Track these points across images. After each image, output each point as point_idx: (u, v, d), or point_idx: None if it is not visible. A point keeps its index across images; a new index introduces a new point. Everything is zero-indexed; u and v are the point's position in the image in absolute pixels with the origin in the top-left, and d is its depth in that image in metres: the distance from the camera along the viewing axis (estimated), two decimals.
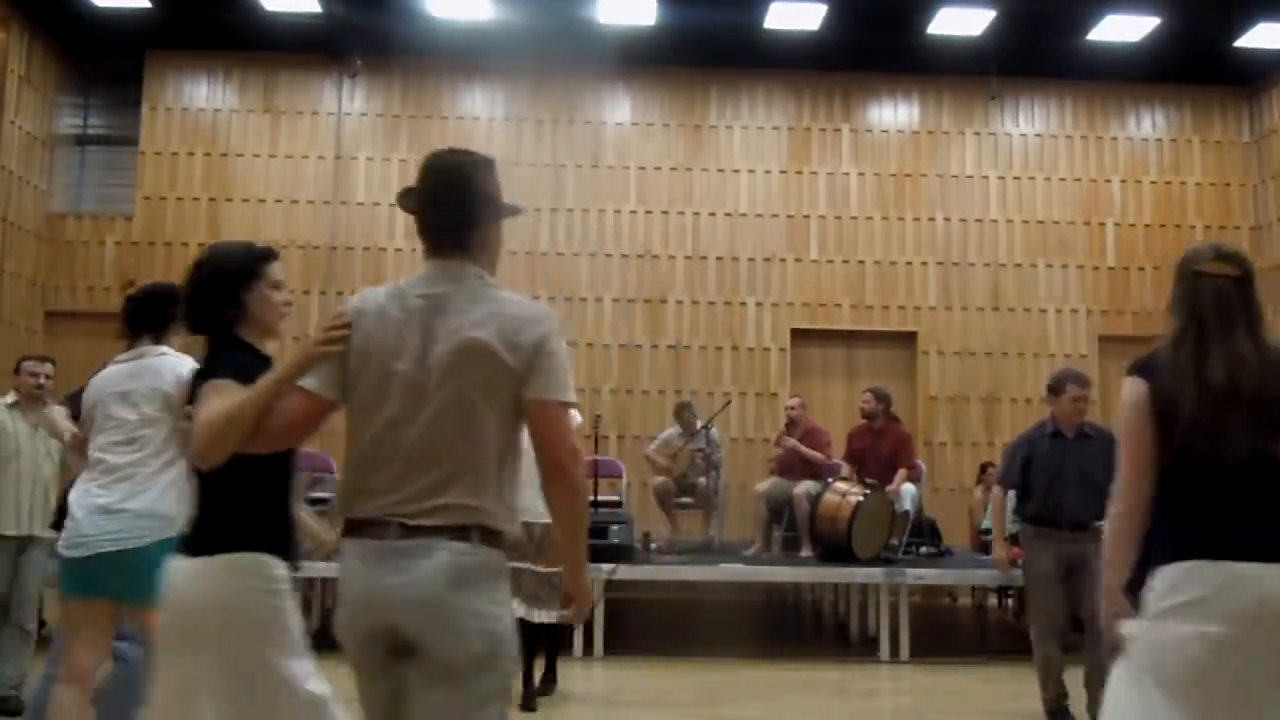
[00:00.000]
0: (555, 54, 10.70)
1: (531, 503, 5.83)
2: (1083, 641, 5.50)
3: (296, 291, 11.21)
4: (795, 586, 9.67)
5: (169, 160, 11.31)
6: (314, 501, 9.21)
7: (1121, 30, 10.38)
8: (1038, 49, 10.86)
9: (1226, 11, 10.04)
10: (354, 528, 2.28)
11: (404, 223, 11.28)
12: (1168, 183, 11.74)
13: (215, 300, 2.76)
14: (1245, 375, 2.44)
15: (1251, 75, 11.43)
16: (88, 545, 3.51)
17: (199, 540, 2.61)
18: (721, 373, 11.20)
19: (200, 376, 2.59)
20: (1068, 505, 5.38)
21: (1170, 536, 2.48)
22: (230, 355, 2.64)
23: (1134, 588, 2.51)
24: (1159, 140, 11.81)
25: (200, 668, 2.49)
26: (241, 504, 2.58)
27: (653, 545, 8.71)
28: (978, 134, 11.71)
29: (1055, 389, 5.60)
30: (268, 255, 2.85)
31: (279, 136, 11.40)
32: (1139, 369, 2.58)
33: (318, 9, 10.38)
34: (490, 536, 2.25)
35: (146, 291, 3.83)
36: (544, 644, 6.10)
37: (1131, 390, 2.57)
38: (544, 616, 5.80)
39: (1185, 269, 2.60)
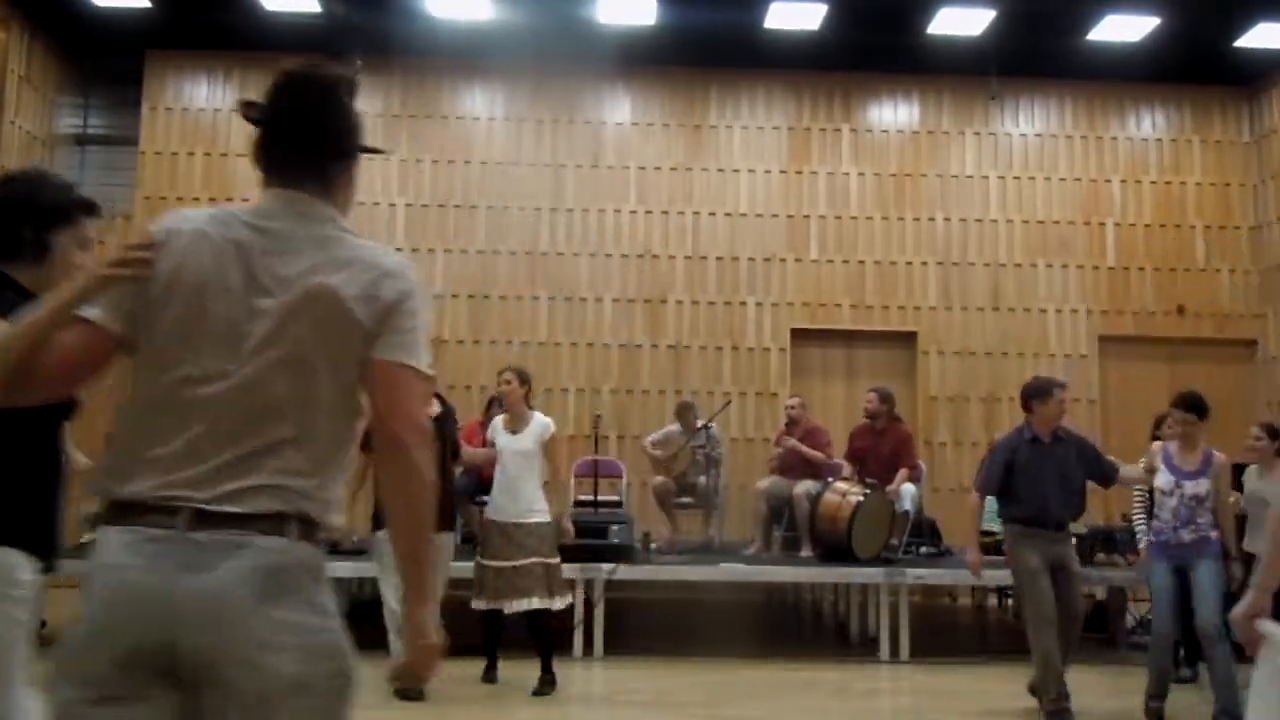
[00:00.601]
0: (555, 54, 10.71)
1: (507, 505, 6.12)
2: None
3: None
4: (795, 586, 9.68)
5: (169, 160, 11.31)
6: None
7: (1121, 30, 10.38)
8: (1038, 49, 10.86)
9: (1226, 11, 10.03)
10: (123, 511, 1.73)
11: (404, 223, 11.29)
12: (1168, 183, 11.74)
13: (9, 228, 2.34)
14: None
15: (1251, 75, 11.43)
16: None
17: None
18: (721, 373, 11.20)
19: None
20: (1052, 507, 5.68)
21: None
22: None
23: None
24: (1159, 140, 11.80)
25: None
26: None
27: (653, 545, 8.71)
28: (978, 134, 11.71)
29: (1042, 395, 5.84)
30: (90, 207, 2.50)
31: None
32: None
33: (318, 9, 10.38)
34: (310, 530, 1.79)
35: None
36: (532, 637, 6.18)
37: None
38: (520, 606, 5.93)
39: None
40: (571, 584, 7.25)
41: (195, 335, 1.78)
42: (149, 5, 10.31)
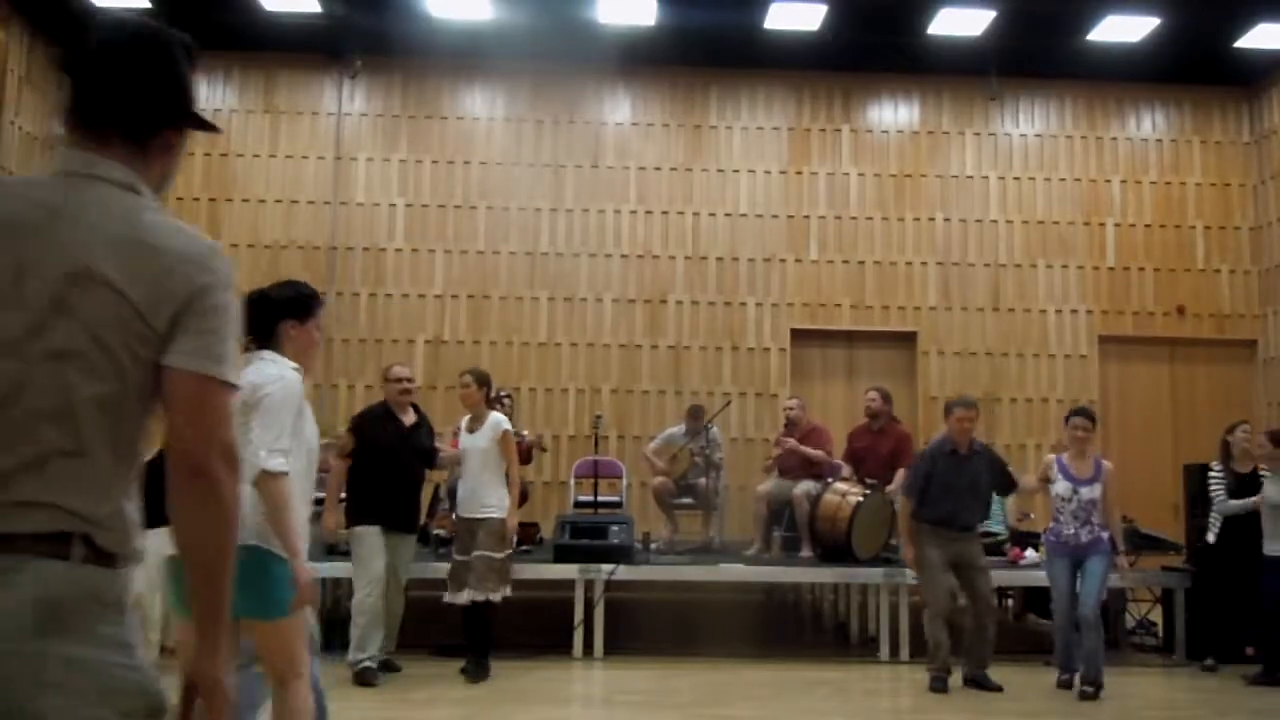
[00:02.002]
0: (555, 54, 10.72)
1: (465, 500, 6.27)
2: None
3: None
4: (795, 586, 9.68)
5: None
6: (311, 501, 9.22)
7: (1121, 30, 10.38)
8: (1038, 49, 10.86)
9: (1226, 11, 10.03)
10: None
11: (404, 223, 11.29)
12: (1168, 183, 11.74)
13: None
14: None
15: (1251, 75, 11.43)
16: None
17: None
18: (721, 373, 11.20)
19: None
20: (960, 511, 6.38)
21: None
22: None
23: None
24: (1159, 140, 11.80)
25: None
26: None
27: (653, 545, 8.71)
28: (978, 134, 11.71)
29: (947, 414, 6.61)
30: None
31: (279, 136, 11.40)
32: None
33: (318, 9, 10.38)
34: (99, 555, 1.54)
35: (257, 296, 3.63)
36: (466, 629, 6.38)
37: None
38: (462, 597, 6.21)
39: None
40: (571, 584, 7.27)
41: None
42: (149, 6, 10.31)
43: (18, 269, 1.55)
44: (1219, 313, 11.51)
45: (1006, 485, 6.81)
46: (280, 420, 3.34)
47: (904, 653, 7.30)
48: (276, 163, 11.37)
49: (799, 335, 11.32)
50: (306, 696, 3.40)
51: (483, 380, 6.46)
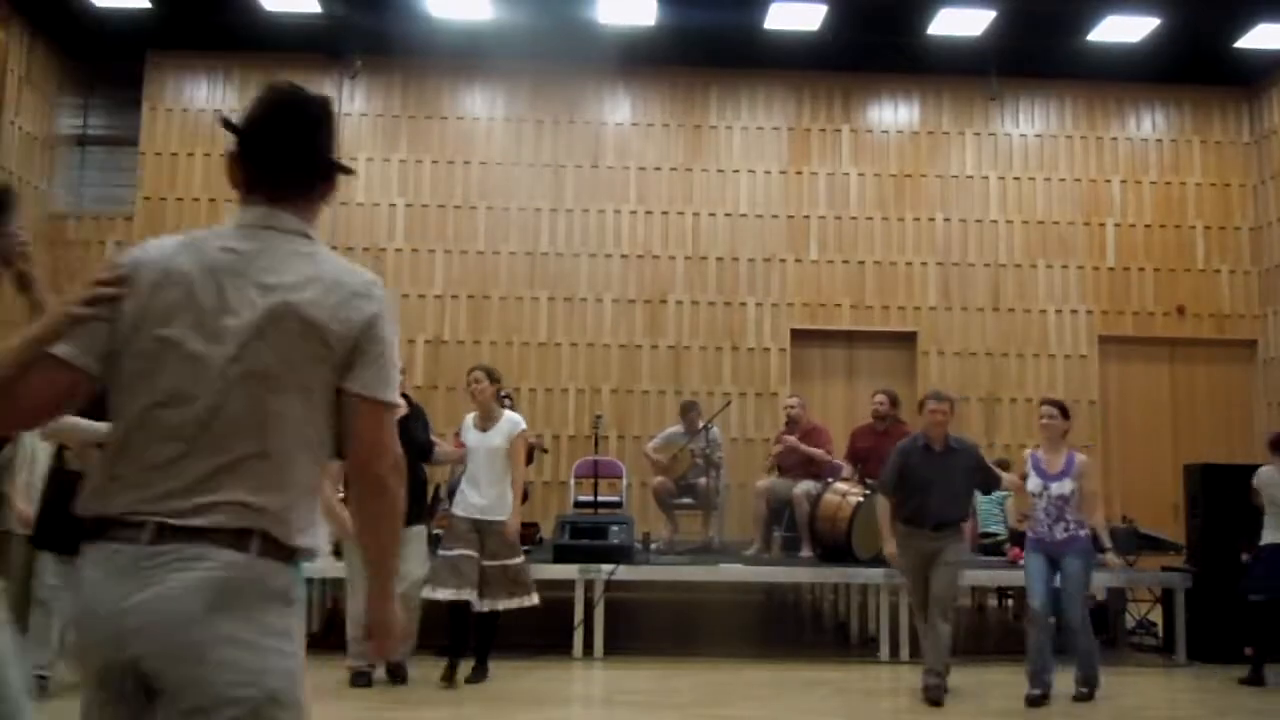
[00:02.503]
0: (555, 54, 10.72)
1: (477, 501, 6.18)
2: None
3: None
4: (795, 586, 9.68)
5: (169, 160, 11.31)
6: None
7: (1121, 30, 10.38)
8: (1038, 49, 10.86)
9: (1226, 11, 10.04)
10: (99, 528, 1.77)
11: (404, 224, 11.29)
12: (1168, 183, 11.74)
13: None
14: None
15: (1251, 75, 11.43)
16: None
17: None
18: (721, 373, 11.20)
19: None
20: (932, 509, 6.14)
21: None
22: None
23: None
24: (1159, 140, 11.80)
25: None
26: None
27: (653, 545, 8.71)
28: (978, 134, 11.71)
29: (920, 407, 6.41)
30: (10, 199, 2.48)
31: None
32: None
33: (318, 9, 10.38)
34: (275, 548, 1.78)
35: None
36: (476, 634, 6.29)
37: None
38: (484, 606, 6.07)
39: None
40: (571, 584, 7.27)
41: (165, 361, 1.81)
42: (149, 5, 10.31)
43: (219, 305, 1.83)
44: (1219, 313, 11.51)
45: (989, 483, 6.52)
46: None
47: (904, 653, 7.30)
48: None
49: (799, 335, 11.32)
50: None
51: (494, 376, 6.36)
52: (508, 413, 6.37)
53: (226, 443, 1.78)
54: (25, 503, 5.70)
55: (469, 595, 6.08)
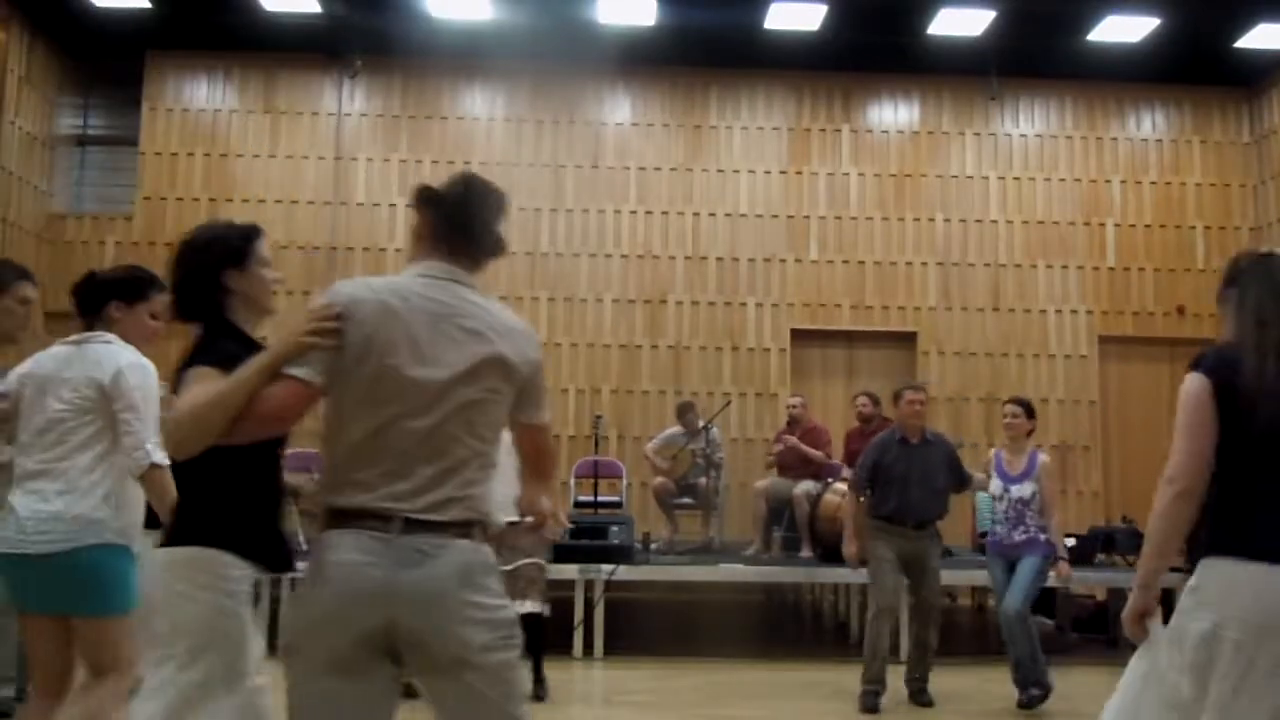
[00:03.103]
0: (555, 54, 10.71)
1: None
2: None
3: (296, 292, 11.20)
4: (795, 586, 9.67)
5: (169, 160, 11.31)
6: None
7: (1121, 30, 10.38)
8: (1038, 49, 10.86)
9: (1226, 11, 10.04)
10: (345, 517, 2.19)
11: (404, 224, 11.28)
12: (1168, 183, 11.75)
13: (205, 285, 2.70)
14: None
15: (1251, 75, 11.43)
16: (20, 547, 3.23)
17: (169, 532, 2.62)
18: (721, 373, 11.20)
19: (185, 365, 2.50)
20: (912, 505, 5.91)
21: (1213, 529, 2.62)
22: (217, 343, 2.57)
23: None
24: (1159, 140, 11.81)
25: (166, 660, 2.49)
26: (210, 498, 2.54)
27: (653, 545, 8.71)
28: (978, 134, 11.71)
29: (895, 399, 6.17)
30: (254, 232, 2.84)
31: (279, 137, 11.40)
32: (1201, 361, 2.67)
33: (318, 9, 10.38)
34: (485, 531, 2.30)
35: (90, 275, 3.61)
36: (529, 644, 6.11)
37: (1193, 384, 2.62)
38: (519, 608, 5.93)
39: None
40: (571, 584, 7.27)
41: (396, 387, 2.23)
42: (149, 5, 10.31)
43: (433, 341, 2.27)
44: (1219, 313, 11.49)
45: (960, 481, 6.26)
46: (152, 410, 3.33)
47: (903, 653, 7.30)
48: (276, 163, 11.37)
49: (799, 335, 11.32)
50: (123, 692, 3.26)
51: None
52: None
53: (449, 455, 2.24)
54: None
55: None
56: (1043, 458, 6.06)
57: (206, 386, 2.27)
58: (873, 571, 6.00)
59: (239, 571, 2.54)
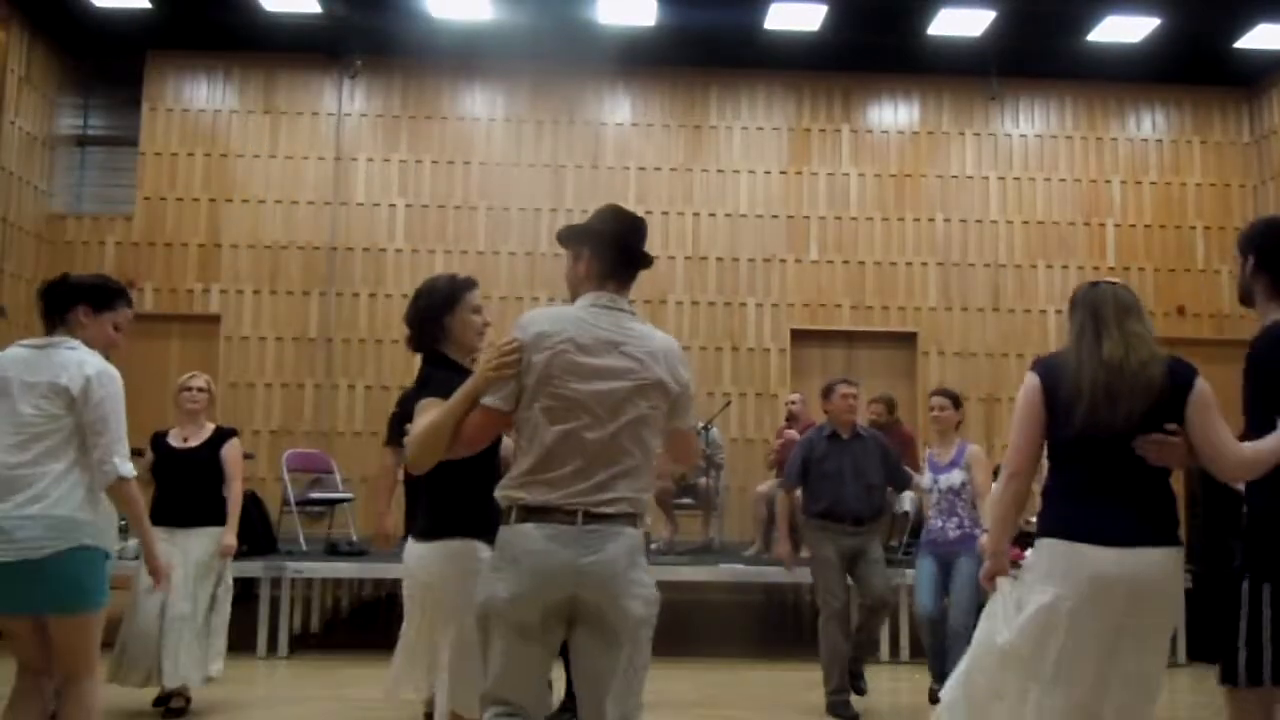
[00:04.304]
0: (555, 54, 10.71)
1: None
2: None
3: (296, 293, 11.22)
4: (795, 586, 9.66)
5: (169, 160, 11.31)
6: (312, 502, 9.22)
7: (1121, 30, 10.38)
8: (1038, 49, 10.87)
9: (1226, 11, 10.04)
10: (535, 512, 2.65)
11: (404, 224, 11.29)
12: (1168, 183, 11.75)
13: (428, 324, 3.40)
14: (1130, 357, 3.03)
15: (1251, 75, 11.43)
16: None
17: (428, 528, 3.30)
18: (721, 373, 11.20)
19: (417, 393, 3.08)
20: (847, 502, 5.76)
21: (1044, 513, 3.15)
22: (437, 374, 3.14)
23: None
24: (1159, 140, 11.81)
25: (438, 627, 3.26)
26: (454, 499, 3.23)
27: (653, 545, 8.70)
28: (978, 134, 11.71)
29: (827, 393, 6.00)
30: (469, 285, 3.57)
31: (279, 137, 11.40)
32: (1038, 364, 3.26)
33: (318, 9, 10.38)
34: (641, 523, 2.75)
35: (63, 277, 3.65)
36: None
37: (1028, 380, 3.24)
38: None
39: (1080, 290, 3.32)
40: None
41: (579, 403, 2.67)
42: (149, 5, 10.31)
43: (607, 366, 2.72)
44: (1219, 313, 11.51)
45: (896, 480, 6.09)
46: (121, 419, 3.40)
47: (904, 653, 7.30)
48: (276, 163, 11.37)
49: (799, 335, 11.32)
50: (98, 694, 3.45)
51: None
52: None
53: (621, 460, 2.69)
54: None
55: None
56: (972, 447, 5.88)
57: (430, 415, 2.78)
58: (816, 574, 5.88)
59: (486, 553, 2.96)
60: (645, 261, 2.94)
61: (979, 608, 4.98)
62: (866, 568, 5.77)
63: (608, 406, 2.69)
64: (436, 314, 3.41)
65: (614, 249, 2.85)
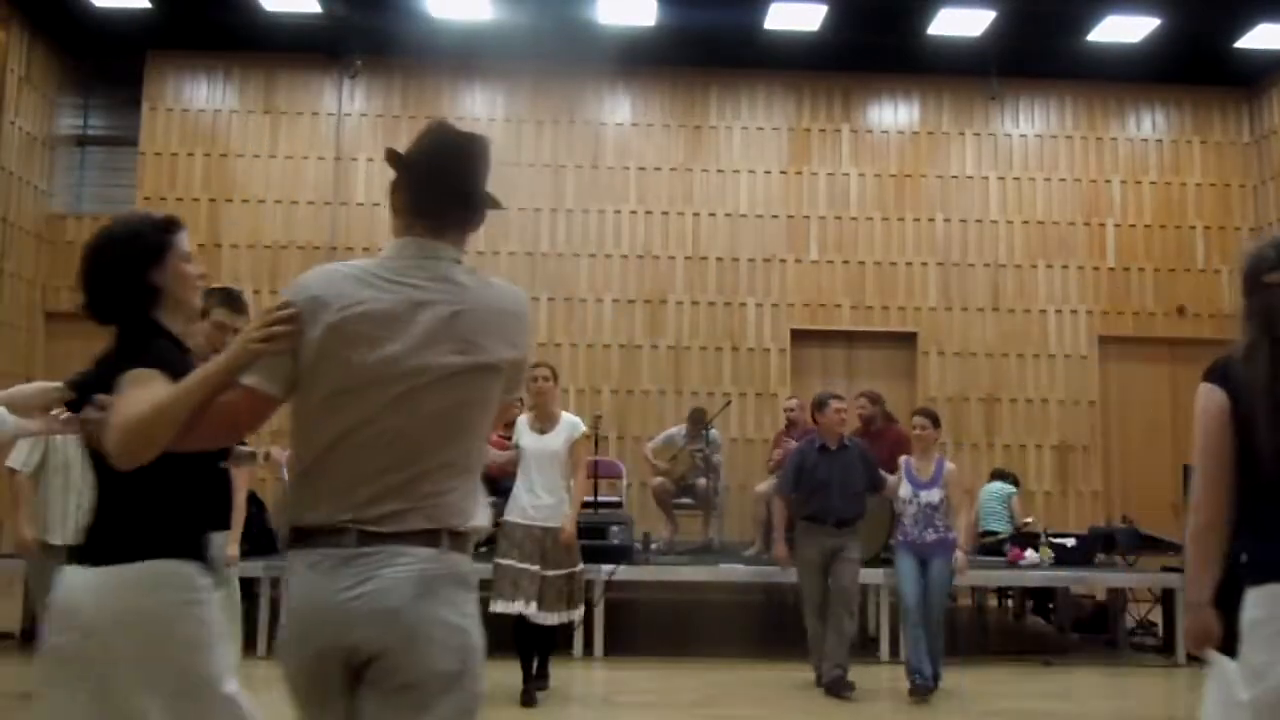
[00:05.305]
0: (555, 54, 10.71)
1: (536, 507, 5.92)
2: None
3: None
4: (795, 587, 9.65)
5: (169, 160, 11.31)
6: None
7: (1121, 30, 10.38)
8: (1038, 49, 10.86)
9: (1226, 11, 10.04)
10: (303, 536, 2.03)
11: None
12: (1168, 183, 11.74)
13: (125, 284, 2.43)
14: None
15: (1251, 75, 11.43)
16: None
17: (104, 547, 2.30)
18: (721, 373, 11.20)
19: (113, 365, 2.26)
20: (834, 506, 6.40)
21: (1255, 558, 2.44)
22: (153, 343, 2.36)
23: (1220, 603, 2.49)
24: (1159, 140, 11.80)
25: (117, 686, 2.21)
26: (157, 506, 2.30)
27: (653, 545, 8.71)
28: (978, 134, 11.71)
29: (820, 408, 6.61)
30: (173, 225, 2.55)
31: (279, 137, 11.40)
32: (1214, 375, 2.57)
33: (318, 9, 10.38)
34: (458, 540, 2.07)
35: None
36: (541, 644, 6.12)
37: (1209, 398, 2.54)
38: (546, 619, 5.85)
39: (1253, 278, 2.55)
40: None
41: (360, 388, 2.02)
42: (149, 5, 10.31)
43: (412, 332, 2.04)
44: (1219, 313, 11.50)
45: (874, 484, 6.60)
46: None
47: (903, 653, 7.30)
48: (276, 163, 11.37)
49: (799, 335, 11.32)
50: None
51: (556, 375, 6.07)
52: (566, 414, 6.02)
53: (420, 458, 2.04)
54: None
55: (529, 610, 5.75)
56: (949, 466, 6.50)
57: (150, 393, 2.09)
58: (800, 574, 6.50)
59: (205, 580, 2.35)
60: (471, 201, 2.19)
61: (951, 598, 6.11)
62: (840, 565, 6.37)
63: (412, 392, 2.03)
64: (139, 269, 2.43)
65: (427, 180, 2.15)
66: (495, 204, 2.21)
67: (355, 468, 2.02)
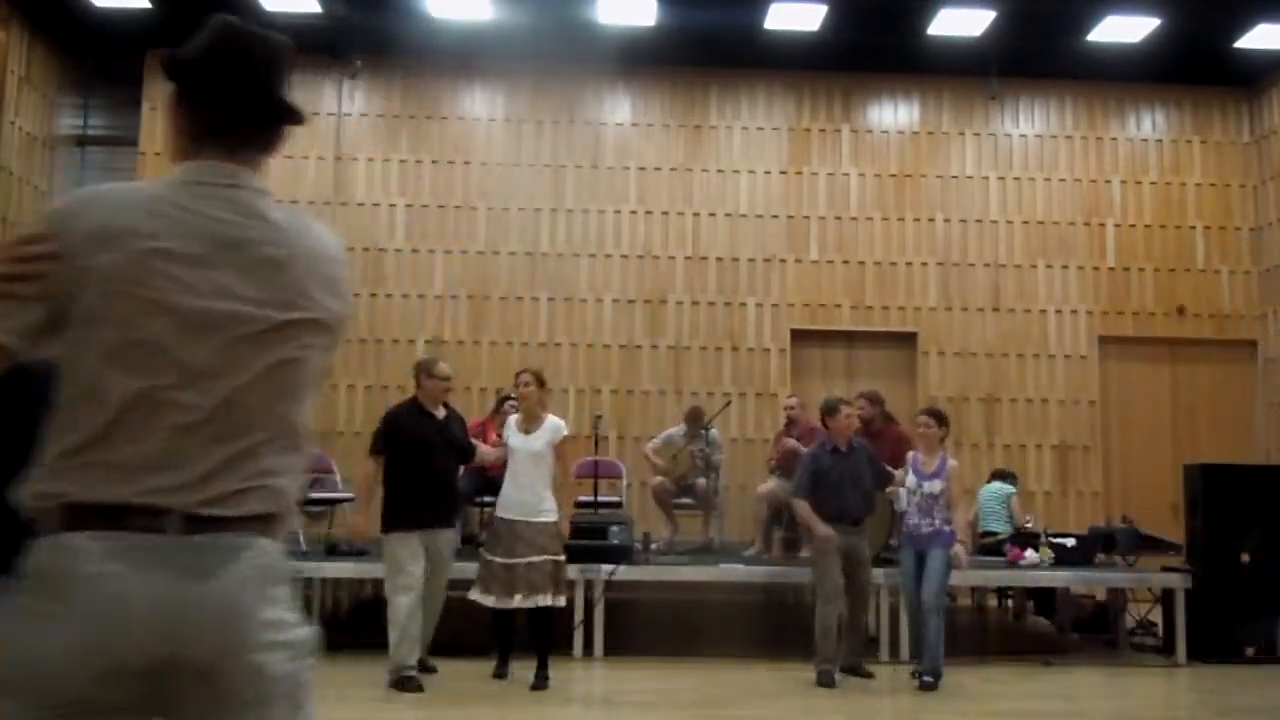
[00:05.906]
0: (555, 54, 10.71)
1: (519, 503, 6.18)
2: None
3: None
4: (795, 586, 9.67)
5: (169, 161, 11.28)
6: (312, 502, 9.22)
7: (1121, 30, 10.38)
8: (1038, 49, 10.86)
9: (1226, 11, 10.04)
10: (94, 514, 1.58)
11: (404, 224, 11.29)
12: (1168, 183, 11.74)
13: None
14: None
15: (1251, 75, 11.43)
16: None
17: None
18: (721, 373, 11.20)
19: None
20: (848, 506, 6.80)
21: None
22: None
23: None
24: (1159, 140, 11.80)
25: None
26: None
27: (653, 545, 8.71)
28: (978, 134, 11.71)
29: (832, 413, 6.95)
30: None
31: None
32: None
33: (318, 9, 10.38)
34: (285, 529, 1.76)
35: None
36: (533, 637, 6.25)
37: None
38: (538, 602, 6.02)
39: None
40: (571, 584, 7.27)
41: (170, 340, 1.63)
42: (149, 5, 10.31)
43: (221, 276, 1.68)
44: (1219, 313, 11.51)
45: (880, 480, 7.03)
46: None
47: (904, 653, 7.30)
48: (276, 163, 11.24)
49: (799, 335, 11.32)
50: None
51: (542, 381, 6.45)
52: (551, 417, 6.40)
53: (250, 428, 1.68)
54: None
55: (514, 603, 6.10)
56: (952, 462, 6.85)
57: None
58: (820, 565, 6.75)
59: None
60: (281, 114, 1.85)
61: (951, 598, 6.41)
62: (856, 567, 6.78)
63: (226, 346, 1.66)
64: None
65: (216, 88, 1.80)
66: (299, 117, 1.86)
67: (172, 437, 1.62)
